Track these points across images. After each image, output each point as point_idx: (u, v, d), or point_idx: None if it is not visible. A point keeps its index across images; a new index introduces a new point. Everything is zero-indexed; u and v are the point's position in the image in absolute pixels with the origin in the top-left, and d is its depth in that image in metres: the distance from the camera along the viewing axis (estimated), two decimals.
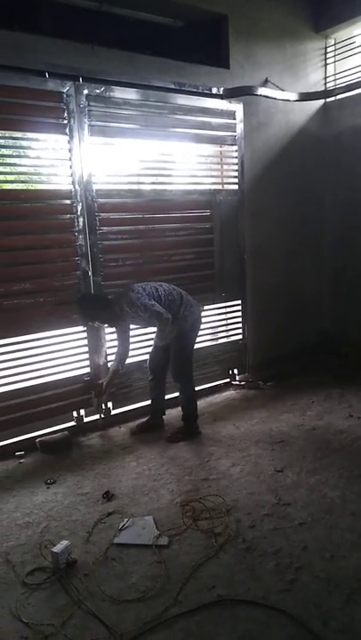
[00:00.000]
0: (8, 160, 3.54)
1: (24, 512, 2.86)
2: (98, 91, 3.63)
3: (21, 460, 3.48)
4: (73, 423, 3.88)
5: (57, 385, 3.75)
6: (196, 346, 4.42)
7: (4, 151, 3.57)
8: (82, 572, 2.33)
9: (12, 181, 3.53)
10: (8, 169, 3.54)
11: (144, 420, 3.95)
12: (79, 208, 3.66)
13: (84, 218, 3.69)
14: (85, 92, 3.57)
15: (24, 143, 3.53)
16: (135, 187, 4.00)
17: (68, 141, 3.56)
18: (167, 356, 3.74)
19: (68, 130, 3.54)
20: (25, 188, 3.60)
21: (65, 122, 3.53)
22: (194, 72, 4.13)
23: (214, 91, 4.23)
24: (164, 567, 2.35)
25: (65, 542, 2.39)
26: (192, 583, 2.25)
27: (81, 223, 3.69)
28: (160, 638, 1.97)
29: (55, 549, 2.33)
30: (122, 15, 3.84)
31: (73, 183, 3.62)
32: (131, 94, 3.80)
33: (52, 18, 3.58)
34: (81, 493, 3.03)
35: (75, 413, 3.90)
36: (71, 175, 3.60)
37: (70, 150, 3.57)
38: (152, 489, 3.05)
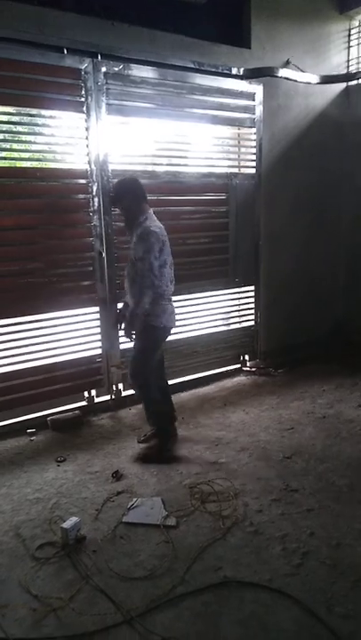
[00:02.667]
0: (24, 137, 3.50)
1: (35, 488, 2.90)
2: (116, 68, 3.57)
3: (33, 438, 3.52)
4: (84, 403, 3.91)
5: (69, 365, 3.77)
6: (207, 331, 4.45)
7: (20, 128, 3.54)
8: (90, 549, 2.36)
9: (27, 159, 3.51)
10: (24, 146, 3.52)
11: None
12: (95, 188, 3.64)
13: (99, 198, 3.66)
14: (103, 69, 3.52)
15: (40, 120, 3.49)
16: (151, 168, 3.96)
17: (85, 120, 3.52)
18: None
19: (85, 108, 3.50)
20: (40, 166, 3.58)
21: (82, 99, 3.49)
22: (214, 51, 4.05)
23: (234, 71, 4.15)
24: (171, 547, 2.38)
25: (74, 519, 2.43)
26: (199, 564, 2.28)
27: (96, 203, 3.66)
28: (167, 616, 1.99)
29: (65, 525, 2.37)
30: None
31: (89, 163, 3.59)
32: (149, 73, 3.74)
33: None
34: (91, 472, 3.06)
35: (86, 394, 3.92)
36: (87, 154, 3.57)
37: (87, 129, 3.54)
38: (160, 470, 3.07)
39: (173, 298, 3.35)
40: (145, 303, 3.07)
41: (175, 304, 4.04)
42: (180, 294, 4.18)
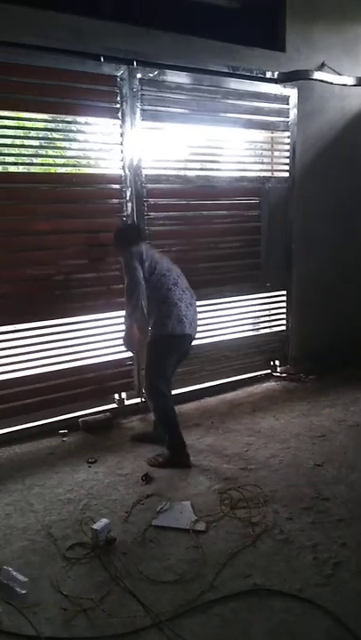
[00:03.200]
0: (60, 144, 3.58)
1: (66, 488, 2.94)
2: (151, 75, 3.61)
3: (64, 439, 3.57)
4: (114, 405, 3.95)
5: (100, 367, 3.82)
6: (237, 335, 4.43)
7: (56, 135, 3.63)
8: (120, 551, 2.39)
9: (62, 165, 3.58)
10: (59, 152, 3.60)
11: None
12: (128, 193, 3.68)
13: (132, 203, 3.71)
14: (139, 75, 3.56)
15: (75, 127, 3.58)
16: (183, 172, 3.99)
17: (120, 126, 3.57)
18: None
19: (120, 114, 3.56)
20: (75, 171, 3.64)
21: (117, 106, 3.54)
22: (248, 55, 4.05)
23: (268, 75, 4.13)
24: (200, 552, 2.37)
25: (105, 520, 2.46)
26: (228, 570, 2.27)
27: (130, 208, 3.71)
28: (195, 622, 1.99)
29: (95, 526, 2.40)
30: None
31: (123, 168, 3.64)
32: (184, 78, 3.77)
33: (111, 1, 3.56)
34: (120, 474, 3.09)
35: (116, 396, 3.96)
36: (122, 160, 3.62)
37: (122, 135, 3.59)
38: (190, 475, 3.07)
39: (202, 302, 3.37)
40: (128, 315, 3.14)
41: (204, 307, 4.11)
42: (210, 298, 4.21)
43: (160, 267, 3.17)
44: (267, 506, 2.72)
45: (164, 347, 3.16)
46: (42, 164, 3.56)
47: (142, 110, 3.63)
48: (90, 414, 3.79)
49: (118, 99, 3.53)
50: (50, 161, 3.65)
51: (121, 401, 3.98)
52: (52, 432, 3.64)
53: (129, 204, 3.70)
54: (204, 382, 4.32)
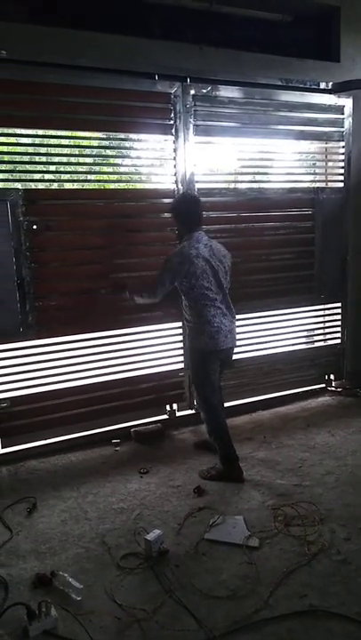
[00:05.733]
0: (113, 160, 3.69)
1: (119, 498, 2.98)
2: (204, 90, 3.67)
3: (117, 448, 3.62)
4: (166, 416, 3.97)
5: (152, 378, 3.85)
6: (290, 348, 4.35)
7: (110, 152, 3.73)
8: (173, 563, 2.38)
9: (116, 181, 3.68)
10: (112, 169, 3.71)
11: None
12: None
13: None
14: (192, 92, 3.63)
15: (128, 144, 3.67)
16: (235, 185, 4.00)
17: (173, 141, 3.64)
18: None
19: (173, 130, 3.62)
20: (128, 187, 3.73)
21: (171, 122, 3.61)
22: (301, 67, 4.03)
23: (322, 86, 4.09)
24: (254, 568, 2.33)
25: (158, 531, 2.46)
26: (283, 589, 2.21)
27: None
28: (250, 639, 1.95)
29: (149, 537, 2.41)
30: (229, 14, 3.84)
31: (176, 182, 3.69)
32: (236, 93, 3.80)
33: (163, 21, 3.66)
34: (172, 485, 3.09)
35: (168, 407, 3.98)
36: (175, 174, 3.68)
37: (175, 150, 3.65)
38: (242, 489, 3.03)
39: (254, 314, 3.51)
40: (137, 298, 3.28)
41: (257, 320, 4.09)
42: (263, 310, 4.18)
43: (200, 283, 3.08)
44: (323, 524, 2.64)
45: (199, 359, 3.21)
46: (97, 181, 3.67)
47: (195, 125, 3.68)
48: (142, 424, 3.82)
49: (172, 115, 3.60)
50: (104, 177, 3.74)
51: (172, 412, 3.99)
52: (106, 441, 3.69)
53: None
54: (256, 395, 4.26)
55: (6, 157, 3.31)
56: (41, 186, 3.56)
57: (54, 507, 2.90)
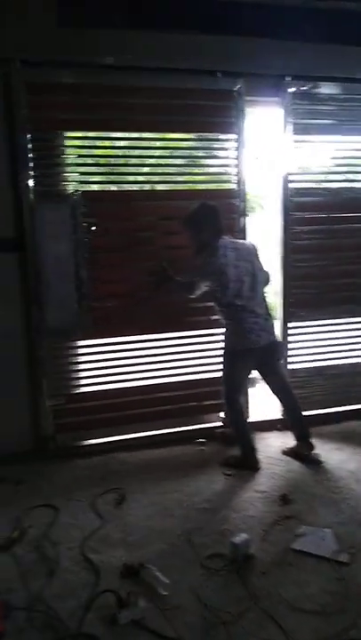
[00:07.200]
0: (204, 161, 3.73)
1: (203, 497, 2.99)
2: (304, 88, 3.59)
3: (202, 448, 3.64)
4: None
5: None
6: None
7: (201, 152, 3.73)
8: (259, 570, 2.35)
9: (205, 181, 3.72)
10: (203, 169, 3.72)
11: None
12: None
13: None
14: (292, 89, 3.56)
15: (216, 144, 3.70)
16: (329, 185, 3.88)
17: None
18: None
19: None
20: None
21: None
22: None
23: None
24: (343, 585, 2.24)
25: (244, 536, 2.44)
26: None
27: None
28: None
29: (235, 540, 2.40)
30: (324, 9, 3.70)
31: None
32: (336, 89, 3.68)
33: (261, 19, 3.60)
34: (258, 490, 3.05)
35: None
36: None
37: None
38: (331, 501, 2.92)
39: (341, 320, 3.72)
40: (175, 289, 3.35)
41: (342, 327, 4.00)
42: (354, 316, 4.01)
43: (231, 292, 3.13)
44: None
45: (229, 359, 3.33)
46: (185, 182, 3.69)
47: (293, 124, 3.62)
48: (224, 426, 3.81)
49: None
50: (194, 178, 3.76)
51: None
52: (190, 440, 3.72)
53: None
54: (344, 405, 4.09)
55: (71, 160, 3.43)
56: (99, 188, 3.59)
57: (141, 500, 2.98)
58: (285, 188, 3.67)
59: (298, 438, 3.49)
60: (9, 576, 2.35)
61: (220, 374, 3.74)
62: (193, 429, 3.79)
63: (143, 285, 3.50)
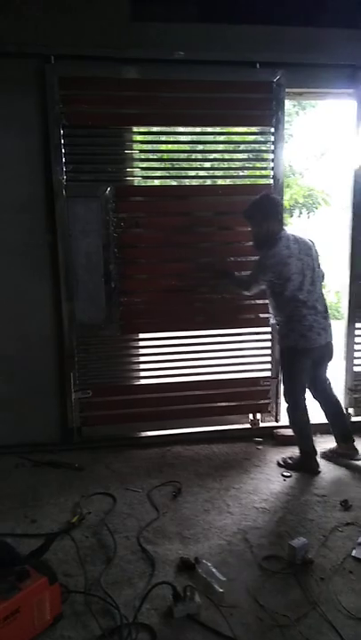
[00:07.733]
0: (265, 155, 3.57)
1: (261, 497, 2.95)
2: None
3: (260, 447, 3.59)
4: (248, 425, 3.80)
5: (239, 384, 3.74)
6: None
7: (263, 146, 3.58)
8: (317, 575, 2.29)
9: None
10: (265, 164, 3.58)
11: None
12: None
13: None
14: None
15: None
16: None
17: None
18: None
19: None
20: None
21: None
22: None
23: None
24: None
25: (303, 539, 2.38)
26: None
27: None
28: None
29: (294, 543, 2.34)
30: None
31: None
32: None
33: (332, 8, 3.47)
34: (317, 494, 2.97)
35: (251, 416, 3.80)
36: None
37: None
38: None
39: None
40: (232, 285, 3.38)
41: None
42: None
43: (293, 285, 3.06)
44: None
45: (289, 358, 3.23)
46: (249, 176, 3.61)
47: None
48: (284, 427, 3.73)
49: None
50: (257, 173, 3.67)
51: (255, 422, 3.79)
52: (248, 438, 3.68)
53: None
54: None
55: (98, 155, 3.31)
56: (130, 182, 3.52)
57: (197, 494, 2.98)
58: (357, 183, 3.52)
59: (343, 440, 3.38)
60: (67, 560, 2.42)
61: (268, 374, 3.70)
62: (246, 428, 3.75)
63: (202, 281, 3.50)
